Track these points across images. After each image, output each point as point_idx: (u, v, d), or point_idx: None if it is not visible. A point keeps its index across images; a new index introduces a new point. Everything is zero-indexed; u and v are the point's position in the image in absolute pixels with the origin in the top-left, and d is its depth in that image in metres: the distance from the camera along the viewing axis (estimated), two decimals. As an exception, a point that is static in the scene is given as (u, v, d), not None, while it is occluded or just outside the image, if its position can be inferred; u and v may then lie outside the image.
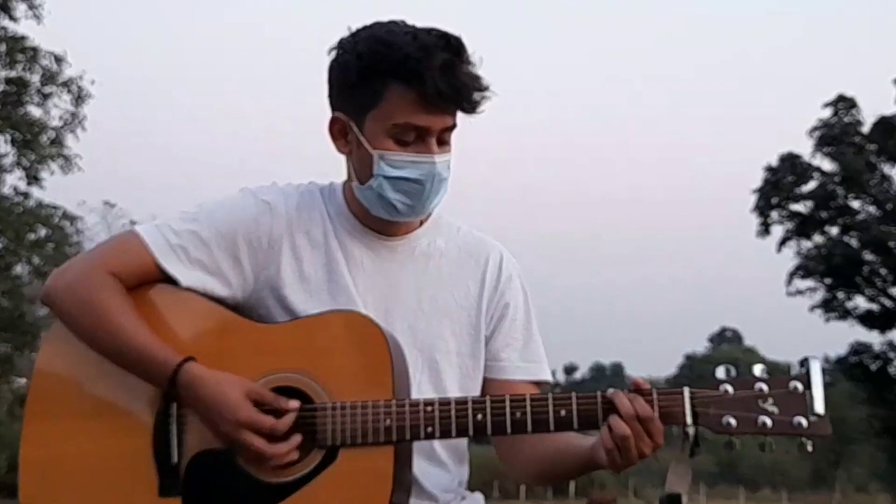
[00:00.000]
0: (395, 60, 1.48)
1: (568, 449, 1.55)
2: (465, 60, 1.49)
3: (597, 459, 1.45)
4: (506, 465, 1.69)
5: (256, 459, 1.44)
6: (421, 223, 1.66)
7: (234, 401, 1.43)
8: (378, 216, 1.58)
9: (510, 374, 1.65)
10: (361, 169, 1.56)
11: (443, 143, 1.55)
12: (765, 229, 26.35)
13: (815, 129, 25.66)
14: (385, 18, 1.55)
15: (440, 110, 1.50)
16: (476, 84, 1.50)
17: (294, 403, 1.44)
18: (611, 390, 1.43)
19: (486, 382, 1.65)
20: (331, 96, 1.59)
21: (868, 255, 24.90)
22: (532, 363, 1.67)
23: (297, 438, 1.44)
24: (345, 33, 1.56)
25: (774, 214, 26.32)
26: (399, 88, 1.49)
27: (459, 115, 1.53)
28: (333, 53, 1.56)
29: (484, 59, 1.52)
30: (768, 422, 1.39)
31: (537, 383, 1.67)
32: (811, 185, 25.99)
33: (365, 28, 1.55)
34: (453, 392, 1.59)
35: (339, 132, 1.59)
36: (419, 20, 1.54)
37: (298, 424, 1.44)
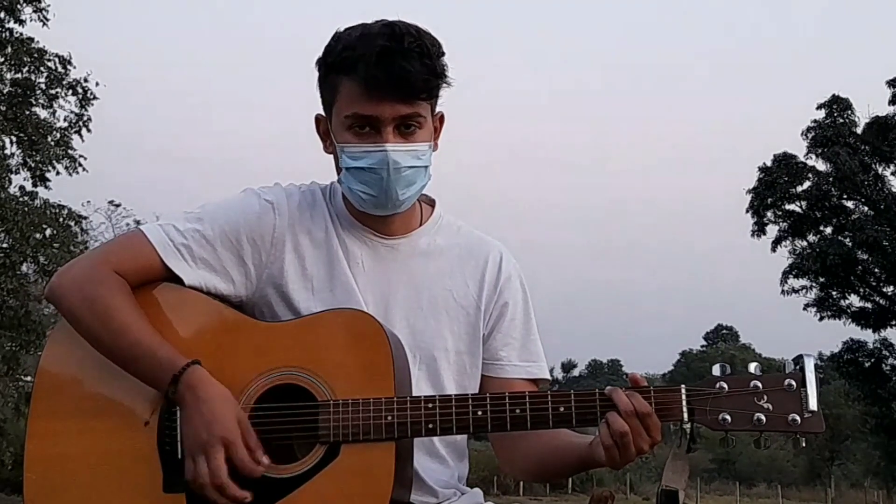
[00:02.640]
0: (338, 54, 1.52)
1: (566, 446, 1.56)
2: (408, 47, 1.47)
3: (595, 456, 1.46)
4: (503, 463, 1.71)
5: (197, 480, 1.41)
6: (421, 222, 1.67)
7: (228, 420, 1.43)
8: (364, 211, 1.59)
9: (508, 372, 1.67)
10: (336, 164, 1.59)
11: (408, 132, 1.53)
12: (760, 229, 26.34)
13: (809, 129, 25.66)
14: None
15: (384, 98, 1.49)
16: (419, 70, 1.48)
17: (266, 460, 1.43)
18: (609, 387, 1.45)
19: (485, 381, 1.67)
20: None
21: (862, 255, 24.89)
22: (530, 362, 1.68)
23: (246, 495, 1.41)
24: None
25: (769, 214, 26.31)
26: (346, 81, 1.52)
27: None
28: None
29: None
30: (763, 418, 1.41)
31: (535, 382, 1.68)
32: (805, 186, 25.99)
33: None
34: (451, 390, 1.60)
35: (324, 133, 1.62)
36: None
37: (301, 421, 1.46)
